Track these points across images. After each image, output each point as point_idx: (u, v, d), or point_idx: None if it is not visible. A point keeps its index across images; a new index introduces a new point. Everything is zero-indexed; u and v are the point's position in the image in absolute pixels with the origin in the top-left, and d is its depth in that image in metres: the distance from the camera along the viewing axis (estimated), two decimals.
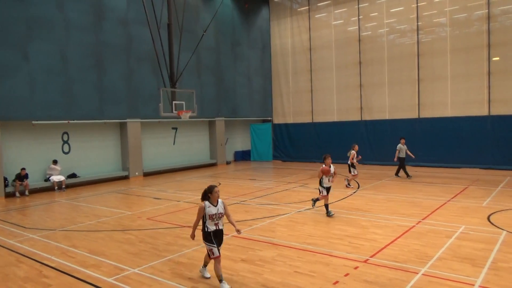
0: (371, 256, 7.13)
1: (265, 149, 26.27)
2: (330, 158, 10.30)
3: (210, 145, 24.44)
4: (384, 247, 7.60)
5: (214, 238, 5.90)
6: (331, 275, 6.33)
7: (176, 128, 22.52)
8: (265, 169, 22.37)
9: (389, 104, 21.01)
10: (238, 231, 6.05)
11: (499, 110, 17.73)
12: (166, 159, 21.89)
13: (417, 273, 6.29)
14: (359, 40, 21.90)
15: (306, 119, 24.44)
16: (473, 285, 5.82)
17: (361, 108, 22.00)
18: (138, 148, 19.64)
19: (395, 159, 16.19)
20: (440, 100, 19.34)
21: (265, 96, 26.66)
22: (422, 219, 9.59)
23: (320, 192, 10.35)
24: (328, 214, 10.14)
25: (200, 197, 6.19)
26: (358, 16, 21.93)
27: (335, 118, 23.03)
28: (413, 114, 20.14)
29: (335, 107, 23.11)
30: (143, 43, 19.04)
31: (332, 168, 10.25)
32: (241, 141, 27.33)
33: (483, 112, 18.16)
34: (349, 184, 14.57)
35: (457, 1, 18.73)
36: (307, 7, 24.09)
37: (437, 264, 6.71)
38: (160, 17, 16.84)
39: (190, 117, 18.22)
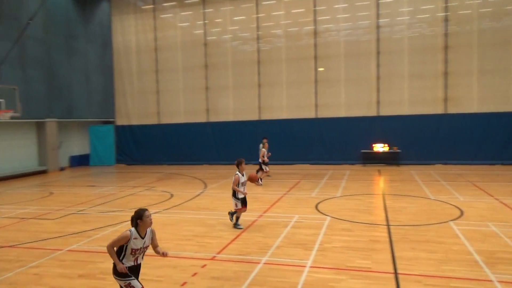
0: (218, 253, 7.28)
1: (107, 152, 24.32)
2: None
3: (39, 150, 21.20)
4: (230, 243, 7.87)
5: (130, 273, 4.56)
6: (179, 277, 6.20)
7: None
8: (107, 174, 20.74)
9: (234, 106, 22.13)
10: (164, 254, 4.75)
11: (324, 113, 20.58)
12: None
13: (259, 263, 6.69)
14: (205, 44, 22.41)
15: (152, 120, 23.68)
16: (305, 266, 6.51)
17: (207, 110, 22.53)
18: None
19: (261, 159, 16.73)
20: (277, 103, 21.34)
21: (106, 96, 24.71)
22: (263, 213, 10.32)
23: (233, 205, 8.88)
24: (236, 226, 8.86)
25: None
26: (204, 20, 22.43)
27: (182, 119, 22.97)
28: (255, 116, 21.69)
29: (182, 108, 23.06)
30: None
31: (245, 176, 9.04)
32: (78, 145, 24.58)
33: (312, 115, 20.81)
34: (260, 180, 14.41)
35: (291, 16, 21.02)
36: (152, 6, 23.40)
37: (276, 252, 7.28)
38: None
39: (12, 118, 15.51)
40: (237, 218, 8.95)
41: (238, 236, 8.32)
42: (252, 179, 8.99)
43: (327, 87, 20.56)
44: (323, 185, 14.49)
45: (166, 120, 23.41)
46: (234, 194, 8.81)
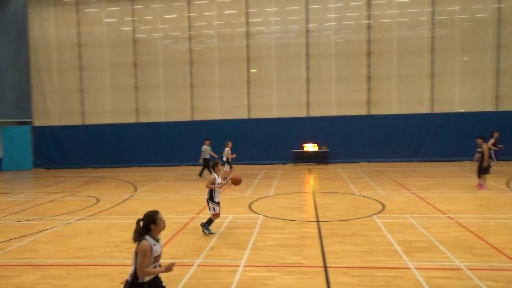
0: None
1: (22, 156, 22.23)
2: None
3: None
4: (162, 246, 7.59)
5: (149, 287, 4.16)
6: (107, 286, 5.86)
7: None
8: (22, 180, 18.97)
9: (165, 107, 21.52)
10: (170, 266, 4.21)
11: (257, 114, 20.87)
12: None
13: (193, 266, 6.55)
14: (134, 42, 21.51)
15: (76, 121, 22.12)
16: (239, 266, 6.51)
17: (137, 110, 21.64)
18: None
19: (201, 160, 16.30)
20: (210, 104, 21.18)
21: (22, 94, 22.57)
22: (197, 215, 10.15)
23: (211, 210, 8.33)
24: (209, 231, 8.33)
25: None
26: (133, 17, 21.52)
27: (109, 120, 21.79)
28: (187, 117, 21.30)
29: (109, 108, 21.87)
30: None
31: (220, 178, 8.53)
32: None
33: (244, 115, 20.98)
34: (225, 178, 14.14)
35: (223, 17, 21.00)
36: None
37: (210, 253, 7.19)
38: None
39: None
40: (210, 223, 8.38)
41: (170, 239, 8.08)
42: (236, 182, 8.22)
43: (259, 89, 20.89)
44: (256, 185, 14.65)
45: (92, 120, 22.03)
46: (211, 198, 8.28)
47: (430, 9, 19.64)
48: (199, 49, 21.28)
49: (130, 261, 6.85)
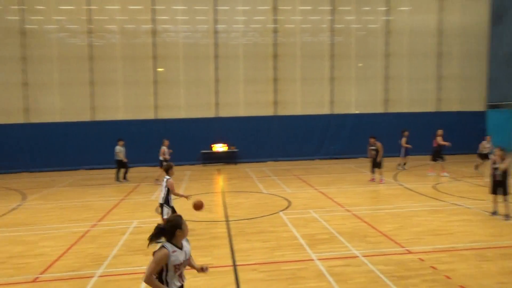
0: (41, 273, 6.29)
1: None
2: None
3: None
4: (57, 259, 6.90)
5: None
6: None
7: None
8: None
9: (61, 106, 19.53)
10: (203, 269, 4.17)
11: (164, 114, 20.19)
12: None
13: (93, 277, 6.06)
14: (22, 33, 19.20)
15: None
16: (145, 272, 6.19)
17: (26, 109, 19.32)
18: None
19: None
20: (112, 103, 19.89)
21: None
22: (97, 222, 9.44)
23: (164, 215, 7.87)
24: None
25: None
26: (20, 5, 19.19)
27: None
28: (87, 117, 19.70)
29: None
30: None
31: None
32: None
33: (151, 115, 20.17)
34: (158, 180, 14.16)
35: (127, 12, 19.88)
36: None
37: (114, 262, 6.73)
38: None
39: None
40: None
41: (66, 250, 7.36)
42: (198, 207, 7.09)
43: (167, 88, 20.25)
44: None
45: None
46: (167, 202, 7.91)
47: (330, 18, 21.13)
48: (100, 45, 19.84)
49: (17, 278, 6.11)
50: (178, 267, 3.83)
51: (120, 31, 19.93)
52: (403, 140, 16.56)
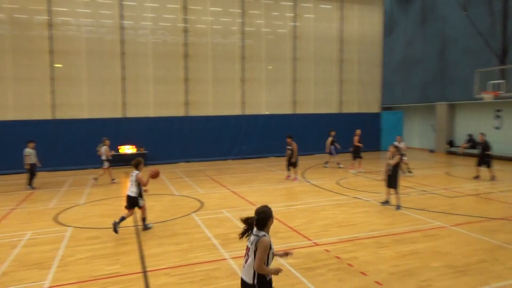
0: None
1: None
2: None
3: None
4: None
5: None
6: None
7: None
8: None
9: None
10: (287, 253, 4.28)
11: (63, 114, 18.45)
12: None
13: None
14: None
15: None
16: None
17: None
18: None
19: (26, 166, 13.50)
20: (1, 102, 17.66)
21: None
22: None
23: (141, 204, 8.48)
24: (148, 226, 8.55)
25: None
26: None
27: None
28: None
29: None
30: None
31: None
32: None
33: (47, 116, 18.30)
34: (96, 179, 14.47)
35: (17, 0, 17.76)
36: None
37: (4, 280, 5.94)
38: None
39: None
40: (144, 219, 8.57)
41: None
42: (155, 175, 8.46)
43: (66, 86, 18.56)
44: (63, 193, 12.95)
45: None
46: (141, 195, 8.49)
47: (240, 20, 21.45)
48: None
49: None
50: (273, 255, 4.01)
51: (9, 21, 17.75)
52: (329, 140, 17.33)
